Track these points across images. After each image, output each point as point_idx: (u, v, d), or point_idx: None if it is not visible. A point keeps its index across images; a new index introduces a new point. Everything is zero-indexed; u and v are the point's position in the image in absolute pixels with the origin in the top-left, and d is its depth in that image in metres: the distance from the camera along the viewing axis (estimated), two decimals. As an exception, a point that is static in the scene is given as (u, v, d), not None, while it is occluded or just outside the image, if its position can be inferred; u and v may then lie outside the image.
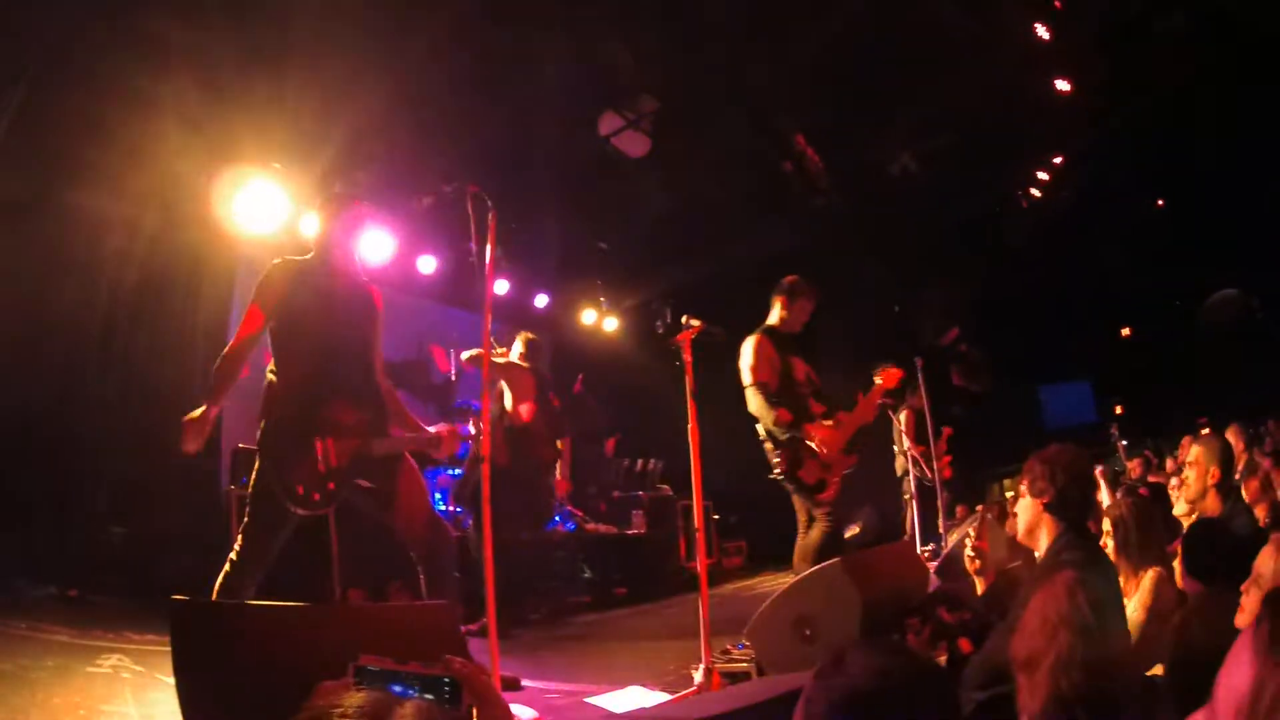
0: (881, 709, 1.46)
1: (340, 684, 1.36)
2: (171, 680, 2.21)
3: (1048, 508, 3.11)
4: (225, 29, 6.08)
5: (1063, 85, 10.66)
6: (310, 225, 7.09)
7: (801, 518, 5.58)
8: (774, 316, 5.74)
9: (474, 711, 1.48)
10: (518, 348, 7.18)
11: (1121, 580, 3.61)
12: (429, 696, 1.38)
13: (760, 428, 5.44)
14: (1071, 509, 3.10)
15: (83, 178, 5.66)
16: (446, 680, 1.42)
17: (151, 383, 6.50)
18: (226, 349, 3.92)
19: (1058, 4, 9.88)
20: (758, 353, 5.48)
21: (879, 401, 5.83)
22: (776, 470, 5.40)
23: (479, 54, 7.80)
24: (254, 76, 6.31)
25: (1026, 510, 3.20)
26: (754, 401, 5.39)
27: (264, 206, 6.69)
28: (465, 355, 6.89)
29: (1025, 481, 3.22)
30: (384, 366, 4.22)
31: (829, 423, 5.45)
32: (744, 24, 8.64)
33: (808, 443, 5.33)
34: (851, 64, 9.43)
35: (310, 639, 2.31)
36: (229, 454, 6.64)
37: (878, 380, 5.76)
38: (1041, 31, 9.87)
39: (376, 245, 7.54)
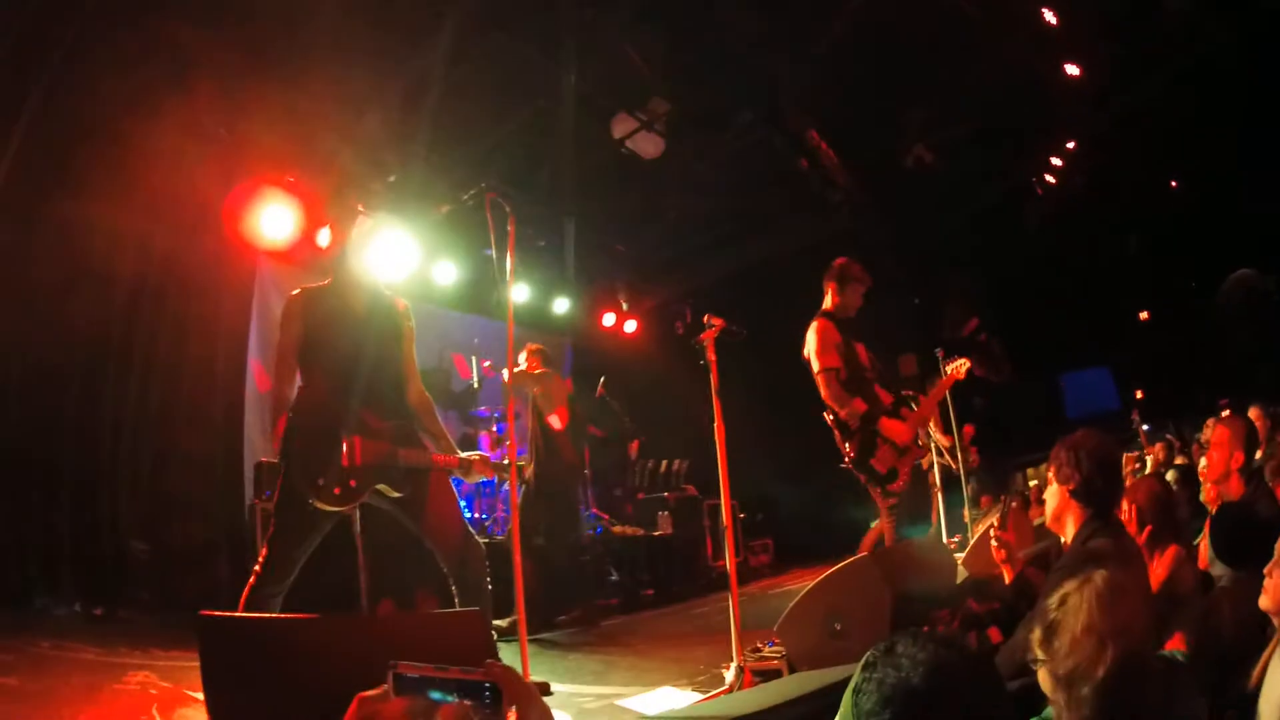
0: (934, 703, 1.45)
1: (378, 692, 1.35)
2: (199, 696, 2.22)
3: (1073, 494, 3.11)
4: (240, 38, 6.13)
5: (1072, 69, 10.60)
6: (324, 237, 7.20)
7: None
8: (827, 301, 5.63)
9: (513, 716, 1.47)
10: (525, 359, 7.16)
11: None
12: (469, 702, 1.38)
13: (828, 415, 5.37)
14: (1097, 495, 3.10)
15: (99, 189, 5.68)
16: (487, 685, 1.40)
17: (172, 395, 6.53)
18: (271, 400, 4.01)
19: None
20: (822, 338, 5.40)
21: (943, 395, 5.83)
22: (847, 459, 5.33)
23: (490, 59, 7.84)
24: (269, 86, 6.35)
25: (1053, 497, 3.19)
26: (826, 389, 5.32)
27: (280, 218, 6.75)
28: (504, 372, 6.94)
29: (1052, 468, 3.20)
30: (418, 382, 4.23)
31: (899, 417, 5.40)
32: (754, 23, 8.64)
33: (880, 431, 5.28)
34: (861, 59, 9.41)
35: (341, 650, 2.30)
36: (252, 467, 6.70)
37: (947, 371, 5.77)
38: (1049, 16, 9.82)
39: (397, 256, 7.58)
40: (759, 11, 8.60)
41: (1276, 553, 2.46)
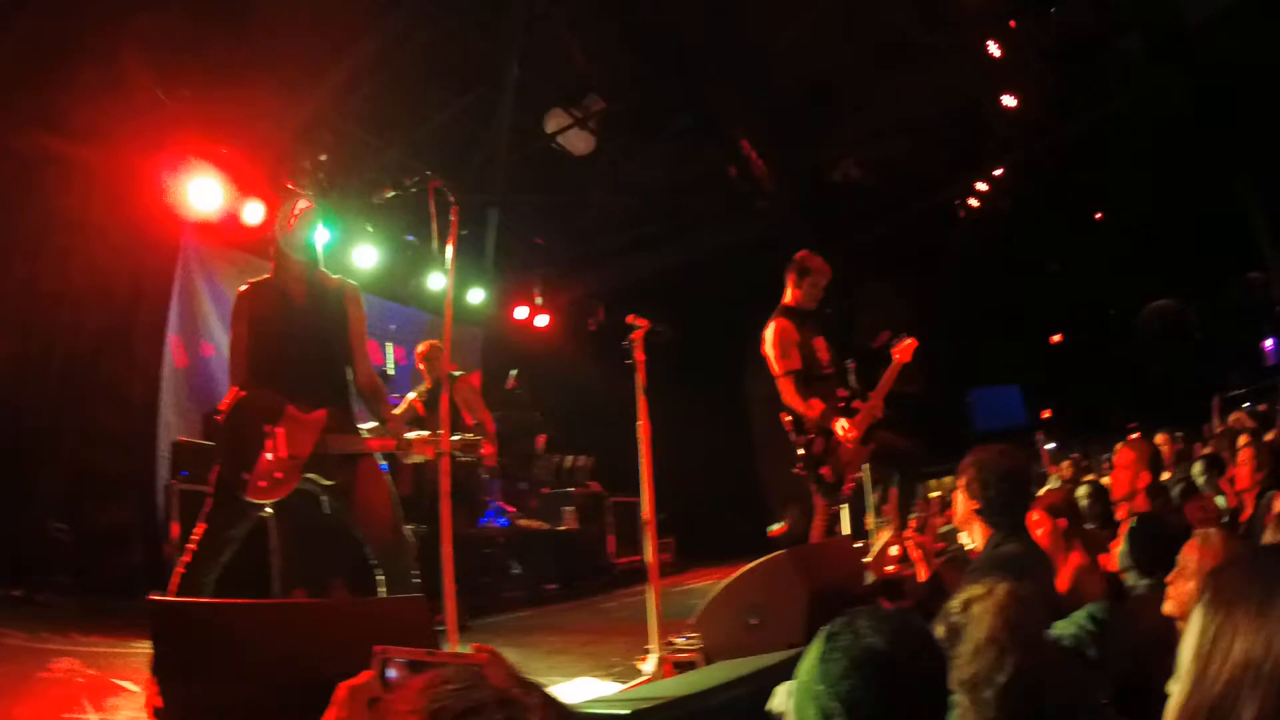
0: (898, 663, 1.59)
1: (364, 681, 1.31)
2: (128, 685, 2.16)
3: (979, 513, 3.19)
4: (178, 6, 5.94)
5: (1009, 100, 10.95)
6: (254, 213, 7.02)
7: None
8: (787, 295, 5.66)
9: None
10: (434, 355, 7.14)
11: None
12: None
13: (786, 415, 5.40)
14: (1003, 512, 3.17)
15: (19, 153, 5.45)
16: (477, 669, 1.44)
17: (91, 370, 6.32)
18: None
19: (1012, 24, 10.16)
20: (780, 338, 5.44)
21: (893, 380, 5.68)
22: (799, 463, 5.37)
23: (436, 44, 7.75)
24: (210, 54, 6.18)
25: (961, 508, 3.29)
26: (785, 391, 5.37)
27: (208, 190, 6.59)
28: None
29: (960, 482, 3.28)
30: (368, 365, 4.23)
31: (852, 412, 5.41)
32: (697, 27, 8.75)
33: (834, 437, 5.31)
34: (802, 71, 9.61)
35: (296, 637, 2.29)
36: (168, 446, 6.51)
37: (894, 356, 5.62)
38: (993, 48, 10.15)
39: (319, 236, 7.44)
40: (705, 18, 8.72)
41: (1177, 564, 2.71)
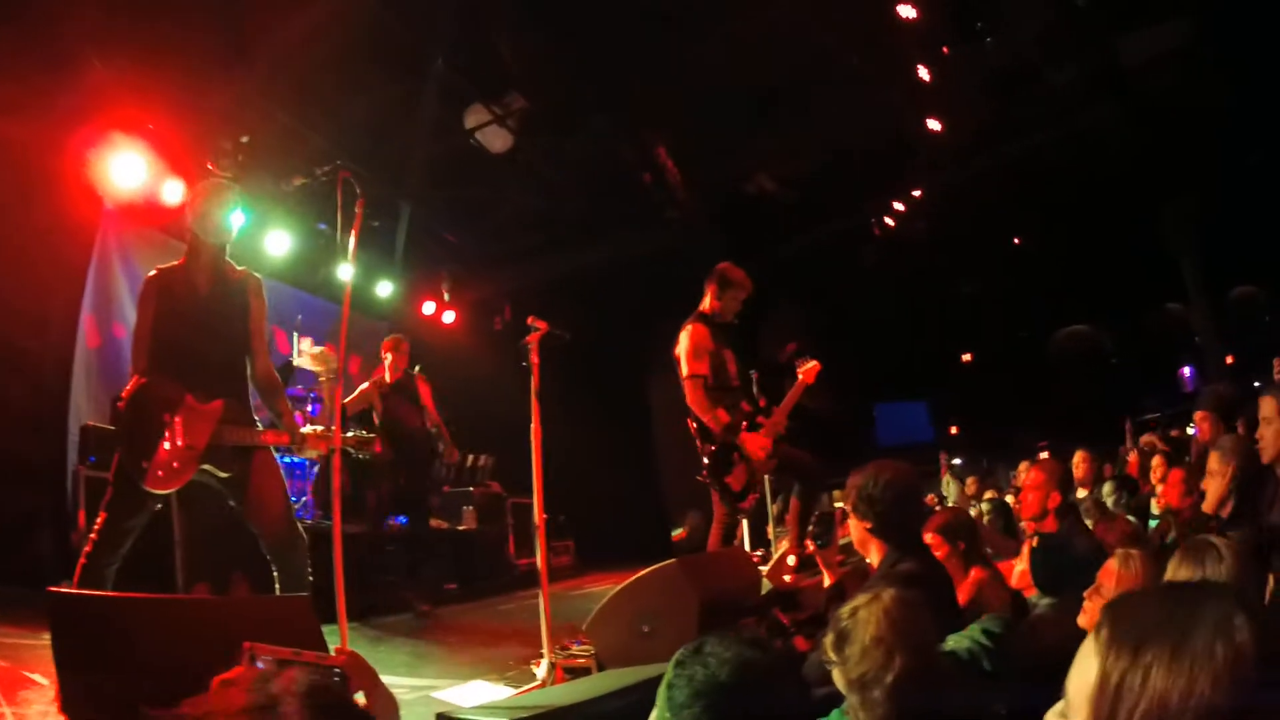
0: (739, 696, 1.61)
1: (236, 674, 1.39)
2: (37, 677, 2.14)
3: (871, 533, 3.22)
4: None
5: (934, 124, 11.12)
6: (174, 192, 6.81)
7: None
8: (705, 303, 5.67)
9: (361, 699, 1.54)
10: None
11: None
12: None
13: (691, 421, 5.42)
14: (894, 530, 3.17)
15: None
16: (337, 670, 1.50)
17: (3, 347, 6.07)
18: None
19: (945, 50, 10.30)
20: (694, 343, 5.45)
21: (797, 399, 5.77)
22: (704, 470, 5.38)
23: (364, 30, 7.62)
24: (136, 29, 5.97)
25: (854, 530, 3.29)
26: (691, 395, 5.37)
27: (131, 166, 6.44)
28: None
29: (848, 505, 3.29)
30: (266, 359, 4.22)
31: (756, 428, 5.45)
32: (624, 33, 8.77)
33: (740, 447, 5.35)
34: (724, 81, 9.68)
35: (189, 632, 2.30)
36: (77, 430, 6.30)
37: (800, 374, 5.71)
38: (923, 72, 10.28)
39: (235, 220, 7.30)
40: (633, 24, 8.75)
41: (1097, 580, 2.84)
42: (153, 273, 4.10)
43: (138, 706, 2.04)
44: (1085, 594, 2.84)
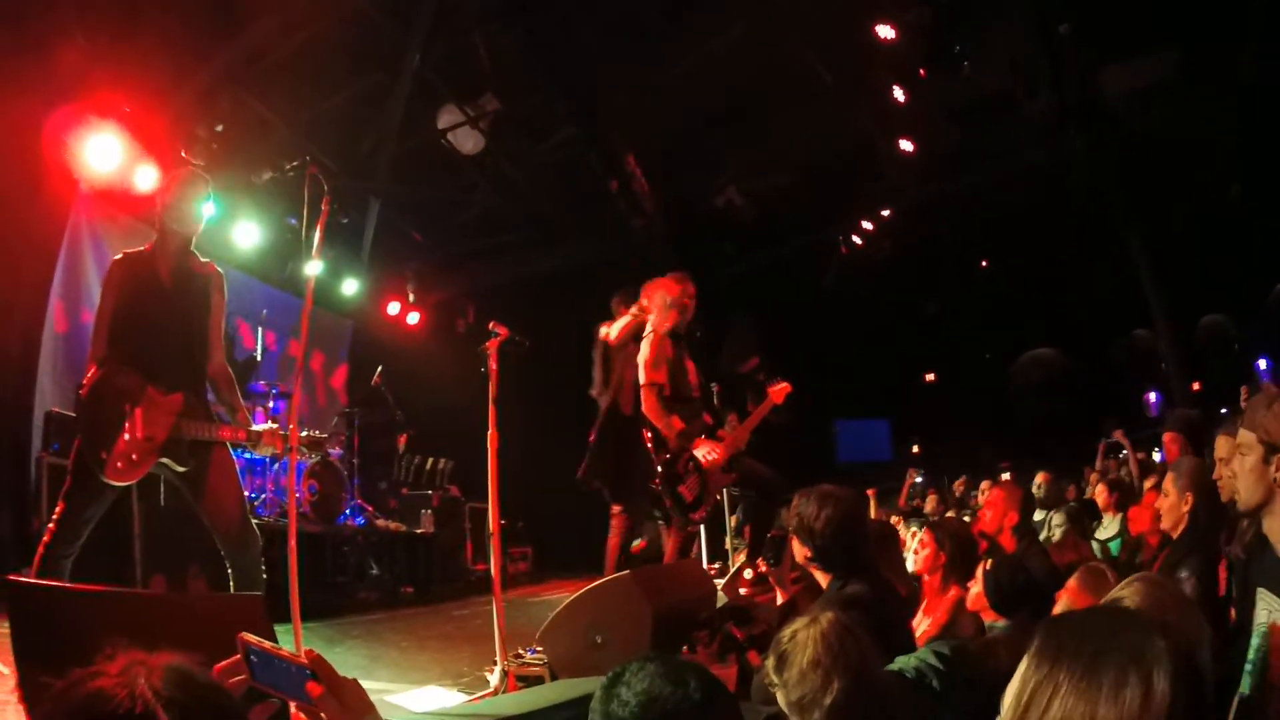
0: None
1: (233, 662, 1.43)
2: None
3: (811, 561, 3.22)
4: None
5: (907, 145, 11.22)
6: (147, 178, 6.74)
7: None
8: (657, 316, 5.63)
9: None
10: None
11: (925, 599, 3.93)
12: (284, 689, 1.47)
13: (647, 431, 5.40)
14: (836, 558, 3.16)
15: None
16: (308, 670, 1.52)
17: None
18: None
19: (922, 72, 10.40)
20: (656, 351, 5.44)
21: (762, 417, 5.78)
22: (657, 479, 5.36)
23: (343, 22, 7.58)
24: (113, 10, 5.90)
25: (798, 552, 3.27)
26: (647, 403, 5.37)
27: (106, 150, 6.37)
28: None
29: (790, 529, 3.28)
30: (221, 354, 4.20)
31: (716, 440, 5.45)
32: (602, 42, 8.79)
33: (694, 458, 5.34)
34: (698, 95, 9.72)
35: (136, 628, 2.28)
36: (42, 416, 6.22)
37: (769, 393, 5.72)
38: (898, 94, 10.37)
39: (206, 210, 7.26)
40: (610, 34, 8.78)
41: (1055, 599, 2.86)
42: (119, 256, 4.08)
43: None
44: (1055, 613, 2.83)
